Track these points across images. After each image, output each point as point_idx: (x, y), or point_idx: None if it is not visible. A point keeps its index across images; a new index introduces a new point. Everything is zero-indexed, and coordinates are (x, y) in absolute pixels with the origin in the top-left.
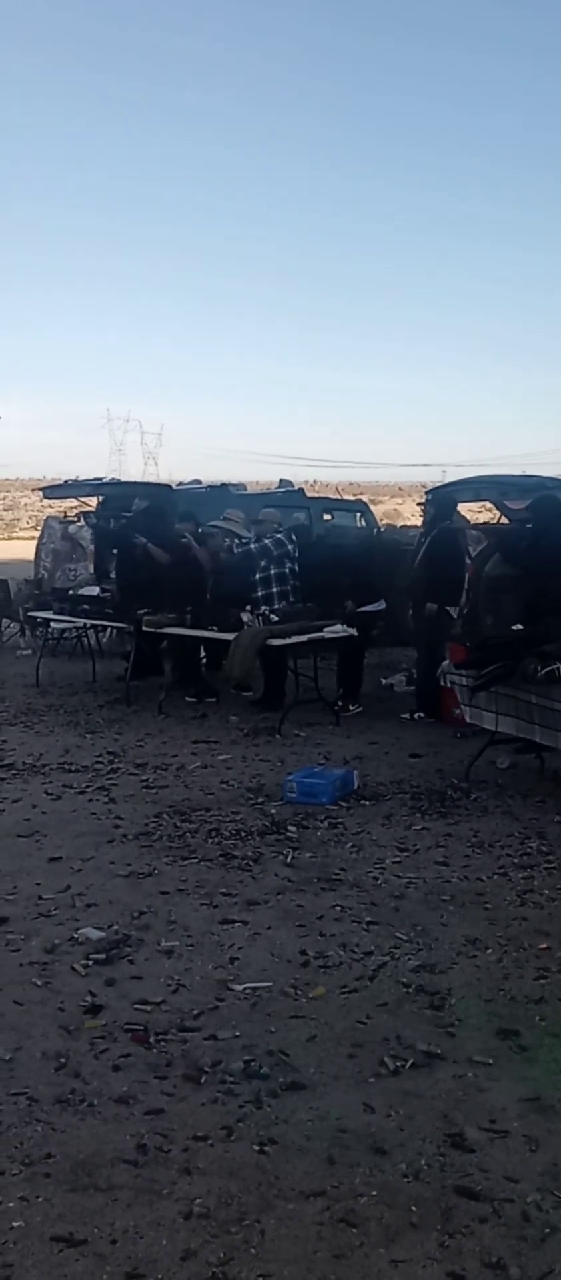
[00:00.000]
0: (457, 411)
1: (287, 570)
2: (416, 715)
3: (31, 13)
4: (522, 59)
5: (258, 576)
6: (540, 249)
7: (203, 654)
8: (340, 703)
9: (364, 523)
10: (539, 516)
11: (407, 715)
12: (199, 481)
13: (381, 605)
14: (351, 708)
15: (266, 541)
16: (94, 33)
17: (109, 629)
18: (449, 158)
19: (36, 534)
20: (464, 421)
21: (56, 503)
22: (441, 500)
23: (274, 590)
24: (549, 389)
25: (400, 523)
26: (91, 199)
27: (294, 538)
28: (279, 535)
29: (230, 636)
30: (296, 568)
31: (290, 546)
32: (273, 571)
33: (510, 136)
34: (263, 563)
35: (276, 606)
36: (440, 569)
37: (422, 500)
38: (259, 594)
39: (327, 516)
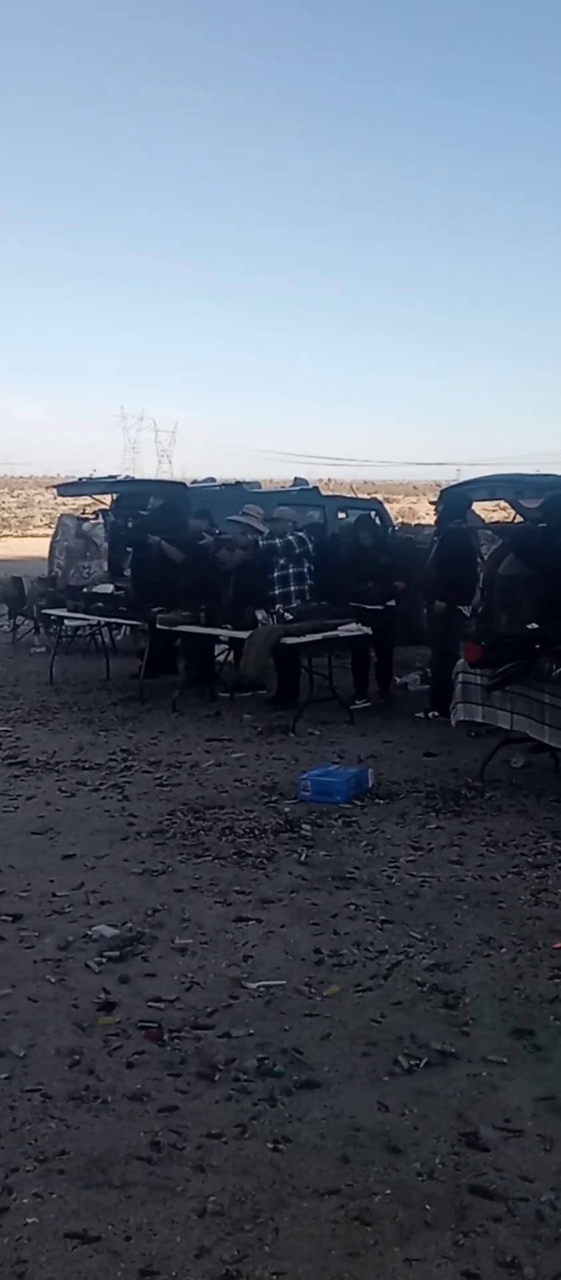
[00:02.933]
0: (472, 410)
1: (305, 569)
2: (431, 714)
3: (69, 10)
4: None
5: (276, 574)
6: (557, 245)
7: (226, 651)
8: (357, 700)
9: (378, 521)
10: (551, 515)
11: (422, 714)
12: (213, 479)
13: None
14: (358, 702)
15: (290, 538)
16: (114, 28)
17: (123, 627)
18: (467, 153)
19: (50, 531)
20: (478, 420)
21: (70, 500)
22: (452, 499)
23: (292, 589)
24: None
25: (414, 521)
26: (106, 195)
27: (313, 537)
28: (300, 533)
29: (244, 635)
30: (313, 567)
31: (309, 545)
32: (291, 570)
33: (530, 132)
34: (282, 560)
35: (292, 605)
36: (450, 568)
37: (435, 499)
38: (276, 591)
39: (342, 515)
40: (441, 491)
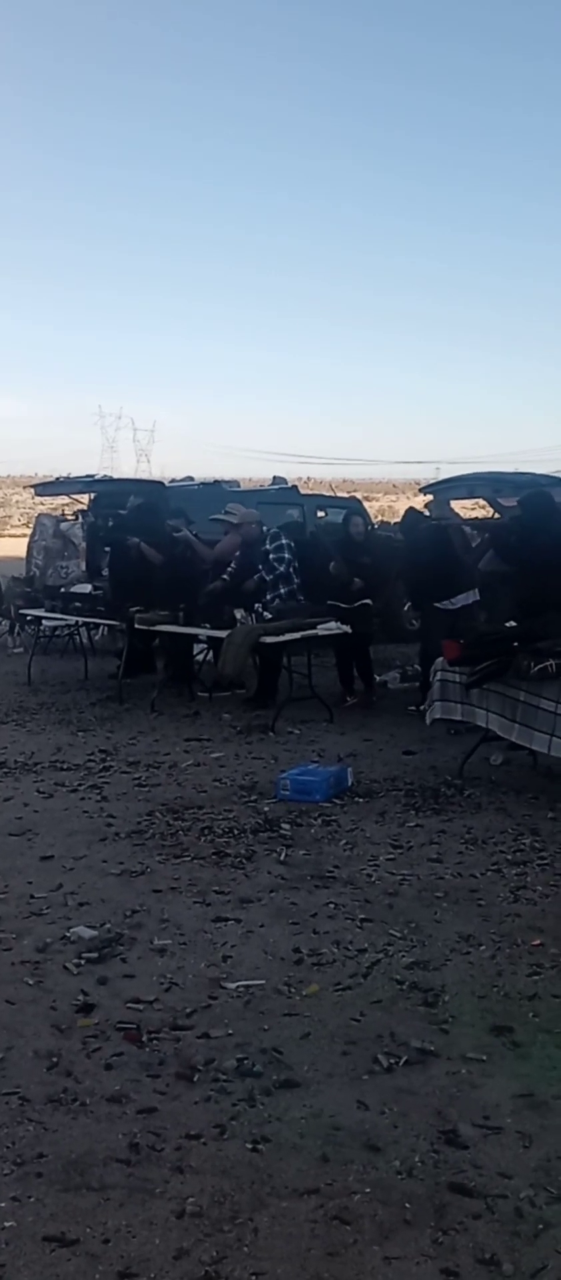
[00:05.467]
0: (452, 408)
1: (286, 569)
2: (422, 707)
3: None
4: (523, 50)
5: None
6: (533, 239)
7: (205, 650)
8: (348, 698)
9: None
10: (529, 513)
11: (414, 708)
12: (192, 478)
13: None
14: (348, 699)
15: (283, 540)
16: (86, 23)
17: (101, 627)
18: (442, 145)
19: (28, 531)
20: (458, 418)
21: (48, 500)
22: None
23: (272, 588)
24: (543, 385)
25: (394, 520)
26: (82, 190)
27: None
28: (278, 533)
29: (223, 634)
30: (296, 565)
31: (282, 543)
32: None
33: (504, 125)
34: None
35: (272, 604)
36: (425, 566)
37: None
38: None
39: (321, 513)
40: (422, 489)
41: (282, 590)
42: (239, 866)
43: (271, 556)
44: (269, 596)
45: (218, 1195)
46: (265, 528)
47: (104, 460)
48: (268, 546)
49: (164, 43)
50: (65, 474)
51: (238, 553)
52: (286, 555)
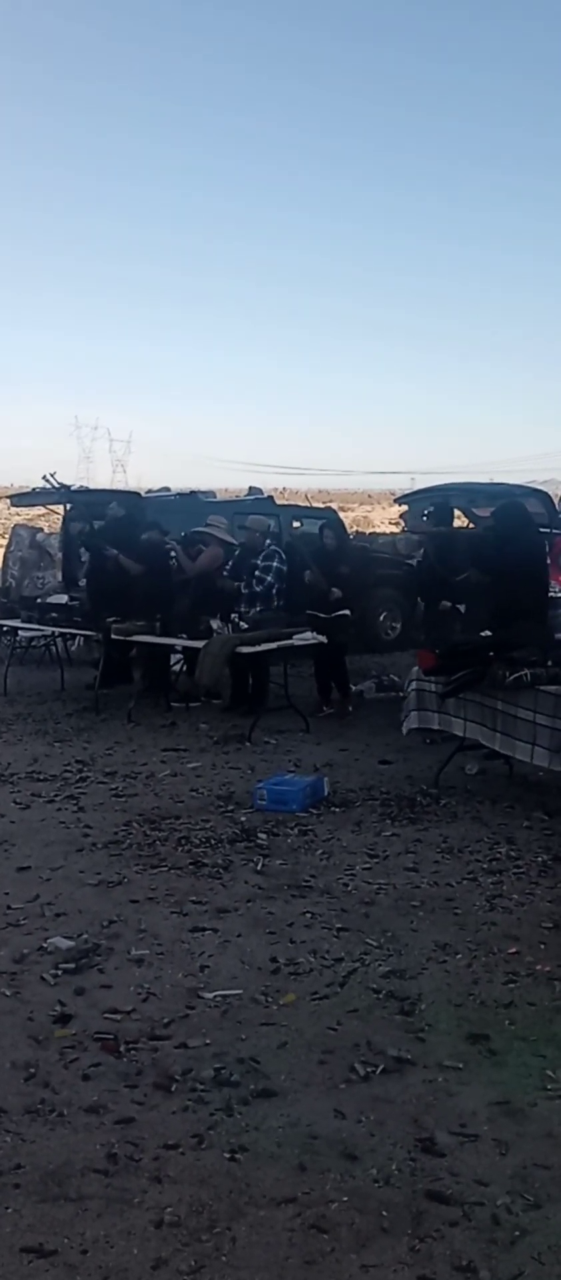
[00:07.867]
0: (427, 418)
1: (268, 579)
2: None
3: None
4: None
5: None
6: (509, 252)
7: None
8: (324, 708)
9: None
10: (504, 523)
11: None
12: (168, 489)
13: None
14: (325, 709)
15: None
16: (62, 32)
17: (77, 637)
18: (421, 160)
19: (4, 542)
20: (433, 428)
21: (24, 510)
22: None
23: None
24: (517, 396)
25: (369, 530)
26: (57, 199)
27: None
28: (268, 543)
29: (199, 644)
30: (276, 580)
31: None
32: (252, 579)
33: (482, 137)
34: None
35: (249, 614)
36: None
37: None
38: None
39: (296, 524)
40: (400, 499)
41: (258, 603)
42: (216, 876)
43: (257, 571)
44: (244, 607)
45: (196, 1205)
46: (268, 542)
47: (80, 471)
48: (257, 561)
49: (146, 56)
50: (41, 485)
51: (229, 563)
52: (269, 579)
